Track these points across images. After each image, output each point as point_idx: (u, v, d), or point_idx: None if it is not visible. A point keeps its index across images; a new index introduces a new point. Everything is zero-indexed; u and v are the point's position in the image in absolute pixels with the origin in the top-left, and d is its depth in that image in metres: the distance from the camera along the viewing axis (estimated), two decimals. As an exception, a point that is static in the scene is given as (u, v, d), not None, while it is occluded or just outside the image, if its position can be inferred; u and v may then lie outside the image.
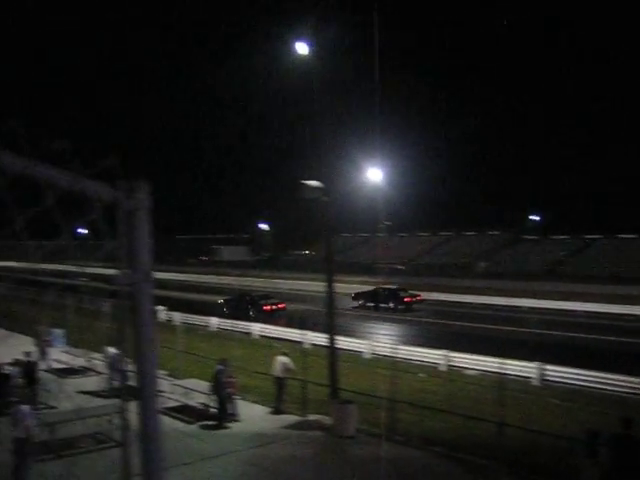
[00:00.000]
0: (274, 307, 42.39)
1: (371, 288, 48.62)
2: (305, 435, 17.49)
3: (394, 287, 47.86)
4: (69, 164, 1.76)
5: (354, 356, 27.20)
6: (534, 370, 23.01)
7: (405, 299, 46.15)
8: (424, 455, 15.84)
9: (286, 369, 19.65)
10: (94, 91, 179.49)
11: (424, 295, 49.53)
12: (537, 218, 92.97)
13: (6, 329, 33.21)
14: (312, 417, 18.80)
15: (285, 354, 20.16)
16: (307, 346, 27.80)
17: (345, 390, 19.32)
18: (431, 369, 25.17)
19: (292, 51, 21.18)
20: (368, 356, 27.96)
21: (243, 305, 42.93)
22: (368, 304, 46.88)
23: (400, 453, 15.83)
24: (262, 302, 42.94)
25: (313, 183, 19.01)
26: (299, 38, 20.74)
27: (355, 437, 16.99)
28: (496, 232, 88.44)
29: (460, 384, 22.42)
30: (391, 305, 45.69)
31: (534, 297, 47.05)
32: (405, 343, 29.58)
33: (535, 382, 22.79)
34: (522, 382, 22.15)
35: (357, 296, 48.14)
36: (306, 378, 19.50)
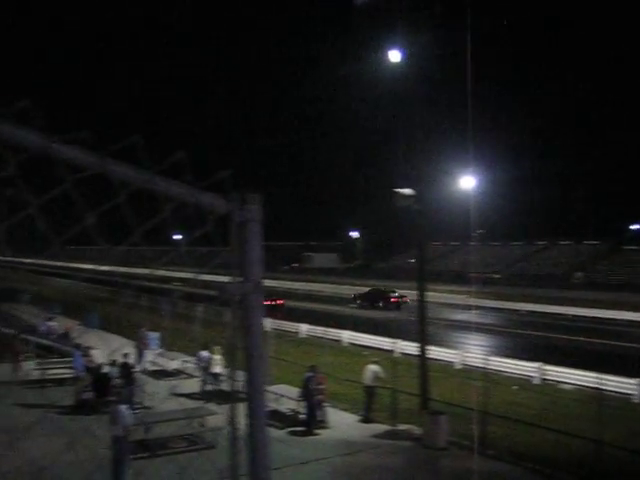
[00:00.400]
0: (273, 302, 48.00)
1: (366, 290, 55.39)
2: (395, 445, 17.35)
3: (383, 289, 55.17)
4: (184, 176, 1.82)
5: (445, 366, 26.83)
6: (635, 386, 22.04)
7: (392, 300, 52.22)
8: (517, 470, 15.45)
9: (376, 378, 19.57)
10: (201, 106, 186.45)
11: (517, 306, 49.88)
12: (638, 227, 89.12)
13: (110, 332, 34.46)
14: (402, 427, 18.64)
15: (376, 362, 20.10)
16: (397, 355, 27.64)
17: (436, 400, 19.07)
18: (524, 381, 24.53)
19: (385, 58, 21.20)
20: (459, 366, 27.51)
21: None
22: (364, 303, 53.25)
23: (492, 467, 15.48)
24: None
25: (406, 191, 18.91)
26: (392, 46, 20.73)
27: (446, 449, 16.73)
28: (594, 242, 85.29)
29: (555, 398, 21.74)
30: (380, 304, 51.98)
31: (634, 310, 45.11)
32: (497, 354, 28.94)
33: (636, 399, 21.83)
34: (621, 399, 21.27)
35: (356, 297, 55.07)
36: (396, 387, 19.38)
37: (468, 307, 47.04)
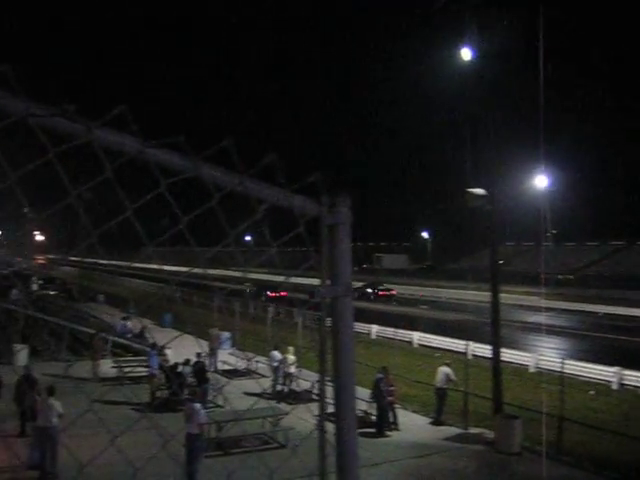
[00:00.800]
0: (276, 294, 53.20)
1: (361, 284, 60.17)
2: (466, 449, 17.12)
3: (373, 284, 62.40)
4: (274, 179, 1.82)
5: (518, 369, 26.31)
6: None
7: (379, 293, 60.12)
8: (593, 478, 15.02)
9: (448, 380, 19.36)
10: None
11: (593, 308, 49.25)
12: None
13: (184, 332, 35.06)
14: (473, 430, 18.39)
15: (447, 364, 19.89)
16: (469, 357, 27.26)
17: (509, 404, 18.71)
18: (601, 386, 23.80)
19: (455, 56, 20.97)
20: (533, 370, 26.90)
21: (259, 293, 54.55)
22: (357, 296, 56.80)
23: (567, 474, 15.12)
24: (268, 291, 54.84)
25: (478, 191, 18.63)
26: (462, 44, 20.49)
27: (520, 454, 16.39)
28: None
29: (635, 404, 21.04)
30: (372, 297, 58.64)
31: None
32: (572, 357, 28.16)
33: None
34: None
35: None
36: (468, 390, 19.11)
37: (541, 309, 46.03)
